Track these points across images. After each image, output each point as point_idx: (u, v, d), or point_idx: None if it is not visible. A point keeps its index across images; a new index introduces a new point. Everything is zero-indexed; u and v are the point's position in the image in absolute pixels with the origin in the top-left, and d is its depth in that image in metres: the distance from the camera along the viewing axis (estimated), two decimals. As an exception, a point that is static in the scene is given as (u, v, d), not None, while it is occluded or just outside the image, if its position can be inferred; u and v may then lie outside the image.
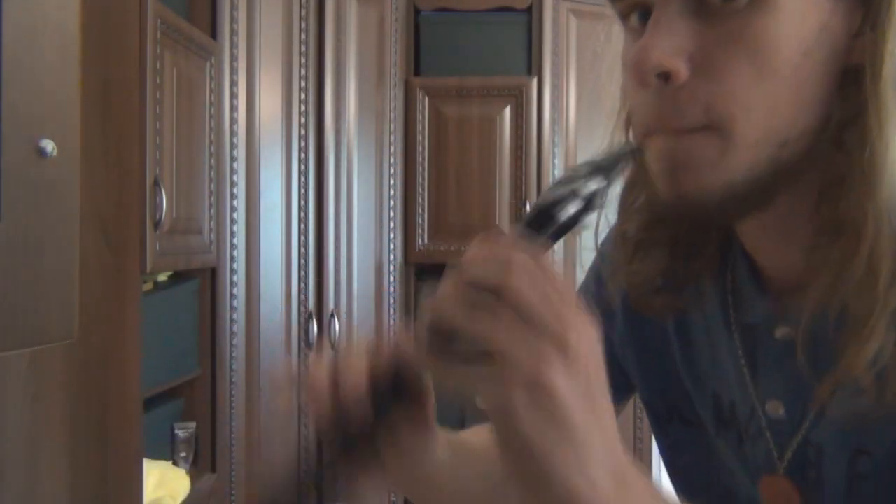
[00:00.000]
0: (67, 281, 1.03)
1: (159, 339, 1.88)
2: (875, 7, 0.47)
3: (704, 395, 0.63)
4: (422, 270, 2.90)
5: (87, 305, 1.37)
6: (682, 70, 0.47)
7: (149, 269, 1.70)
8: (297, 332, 2.41)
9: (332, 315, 2.50)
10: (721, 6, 0.47)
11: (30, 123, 0.95)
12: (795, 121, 0.48)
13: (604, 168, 0.47)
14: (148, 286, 1.92)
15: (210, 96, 2.06)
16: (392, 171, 2.72)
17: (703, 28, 0.47)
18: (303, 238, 2.42)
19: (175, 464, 2.01)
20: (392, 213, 2.72)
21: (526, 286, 0.41)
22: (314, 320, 2.44)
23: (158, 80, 1.74)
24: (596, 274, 0.72)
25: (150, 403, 1.86)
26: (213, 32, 2.11)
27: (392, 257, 2.72)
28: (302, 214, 2.42)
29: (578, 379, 0.40)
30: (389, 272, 2.72)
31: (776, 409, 0.58)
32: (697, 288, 0.61)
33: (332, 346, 2.50)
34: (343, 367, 0.51)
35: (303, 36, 2.41)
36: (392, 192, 2.71)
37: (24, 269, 0.95)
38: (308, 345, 2.43)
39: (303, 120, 2.42)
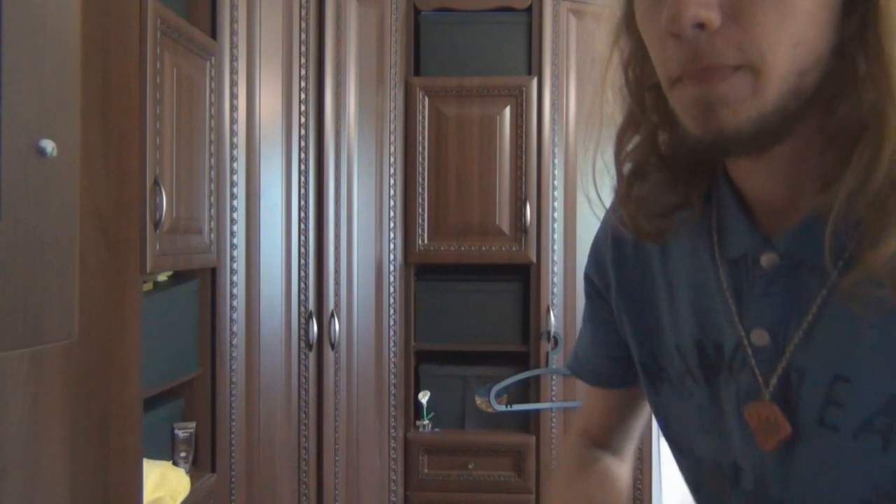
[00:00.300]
0: (67, 281, 1.03)
1: (159, 339, 1.88)
2: None
3: (688, 343, 0.68)
4: (422, 270, 2.90)
5: (87, 305, 1.37)
6: (716, 19, 0.51)
7: (149, 269, 1.70)
8: (297, 332, 2.41)
9: (332, 315, 2.50)
10: None
11: (30, 123, 0.95)
12: (812, 49, 0.53)
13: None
14: (148, 286, 1.92)
15: (210, 96, 2.06)
16: (392, 171, 2.72)
17: None
18: (303, 238, 2.43)
19: (175, 464, 2.01)
20: (392, 213, 2.72)
21: None
22: (314, 320, 2.44)
23: (158, 80, 1.74)
24: (594, 254, 0.79)
25: (150, 403, 1.87)
26: (213, 32, 2.11)
27: (392, 257, 2.72)
28: (302, 214, 2.42)
29: None
30: (389, 272, 2.72)
31: (761, 337, 0.62)
32: (682, 230, 0.67)
33: (332, 347, 2.50)
34: None
35: (303, 36, 2.41)
36: (392, 192, 2.71)
37: (24, 269, 0.95)
38: (308, 345, 2.43)
39: (303, 120, 2.42)
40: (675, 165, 0.64)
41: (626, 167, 0.67)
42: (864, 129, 0.52)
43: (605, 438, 0.88)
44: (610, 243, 0.76)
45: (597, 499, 0.82)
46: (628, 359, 0.77)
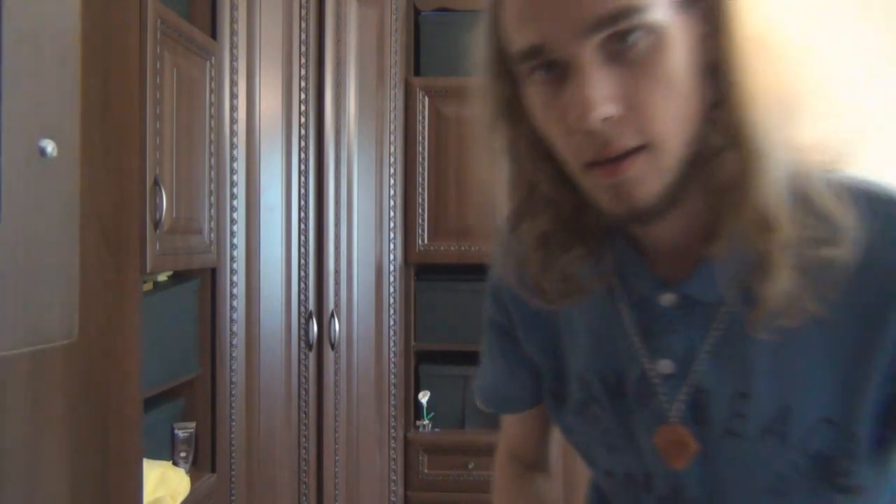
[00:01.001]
0: (67, 281, 1.02)
1: (159, 339, 1.88)
2: (718, 15, 0.60)
3: (590, 374, 0.77)
4: (422, 270, 2.90)
5: (87, 305, 1.37)
6: (617, 111, 0.58)
7: (149, 269, 1.70)
8: (297, 332, 2.41)
9: (332, 315, 2.50)
10: (628, 52, 0.58)
11: (30, 123, 0.95)
12: (692, 121, 0.61)
13: None
14: (148, 286, 1.92)
15: (210, 96, 2.05)
16: (392, 171, 2.72)
17: (620, 71, 0.58)
18: (303, 238, 2.42)
19: (175, 464, 2.01)
20: (392, 213, 2.72)
21: None
22: (314, 320, 2.44)
23: (158, 80, 1.74)
24: (494, 297, 0.86)
25: (150, 403, 1.87)
26: (213, 32, 2.11)
27: (392, 257, 2.72)
28: (302, 214, 2.42)
29: None
30: (389, 272, 2.72)
31: (666, 367, 0.70)
32: (581, 281, 0.73)
33: (332, 347, 2.50)
34: None
35: (303, 36, 2.41)
36: (392, 192, 2.71)
37: (24, 269, 0.95)
38: (308, 345, 2.43)
39: (303, 120, 2.42)
40: (575, 233, 0.70)
41: (529, 240, 0.72)
42: (730, 186, 0.61)
43: (530, 455, 0.97)
44: (506, 286, 0.81)
45: None
46: (541, 380, 0.85)
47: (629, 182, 0.60)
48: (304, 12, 2.41)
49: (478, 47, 0.70)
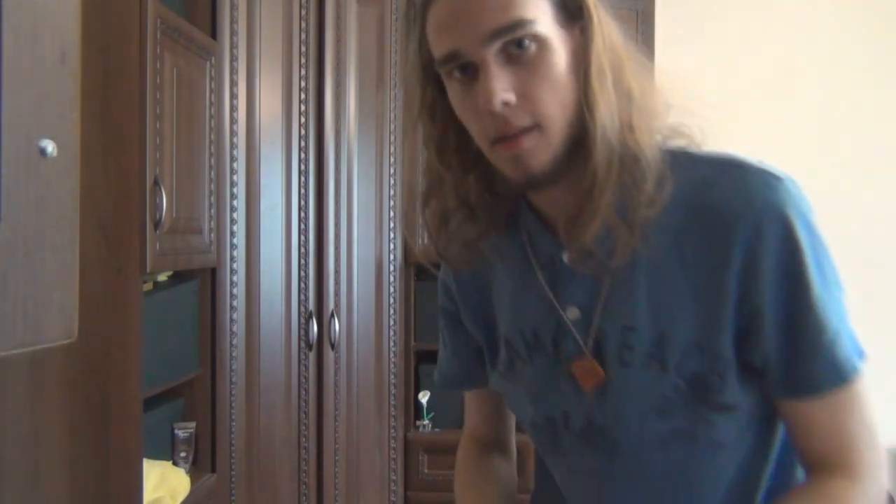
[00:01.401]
0: (67, 281, 1.02)
1: (159, 339, 1.88)
2: (584, 32, 0.80)
3: (512, 333, 0.92)
4: (422, 270, 2.90)
5: (87, 305, 1.36)
6: (513, 98, 0.77)
7: (149, 269, 1.70)
8: (297, 332, 2.41)
9: (332, 315, 2.50)
10: (521, 56, 0.77)
11: (30, 123, 0.95)
12: (572, 108, 0.79)
13: None
14: (148, 286, 1.92)
15: (210, 96, 2.06)
16: (392, 171, 2.72)
17: (515, 70, 0.77)
18: (303, 238, 2.42)
19: (175, 464, 2.01)
20: (392, 213, 2.72)
21: None
22: (314, 320, 2.44)
23: (158, 81, 1.74)
24: (442, 287, 1.04)
25: (150, 403, 1.87)
26: (213, 32, 2.11)
27: (392, 257, 2.72)
28: (302, 214, 2.42)
29: None
30: (389, 272, 2.72)
31: (574, 314, 0.87)
32: (498, 249, 0.91)
33: (332, 347, 2.50)
34: None
35: (303, 36, 2.41)
36: (392, 192, 2.71)
37: (24, 269, 0.95)
38: (308, 345, 2.43)
39: (303, 120, 2.42)
40: (475, 207, 0.88)
41: (432, 216, 0.92)
42: (590, 183, 0.80)
43: (489, 436, 1.09)
44: (451, 273, 1.00)
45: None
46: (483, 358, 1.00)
47: (525, 153, 0.78)
48: (304, 12, 2.41)
49: (408, 61, 0.86)
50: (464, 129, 0.83)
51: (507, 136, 0.78)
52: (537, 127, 0.78)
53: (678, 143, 0.85)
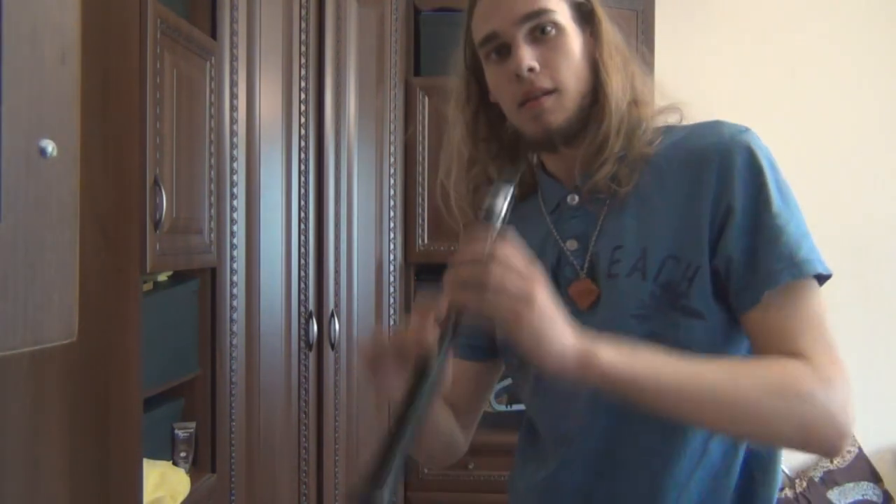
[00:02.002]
0: (67, 281, 1.02)
1: (159, 339, 1.88)
2: (595, 33, 1.02)
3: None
4: (422, 270, 2.90)
5: (87, 305, 1.36)
6: (537, 66, 0.98)
7: (149, 269, 1.70)
8: (297, 332, 2.41)
9: (332, 315, 2.50)
10: (544, 37, 0.99)
11: (30, 123, 0.95)
12: (584, 83, 1.01)
13: (509, 180, 0.96)
14: (148, 286, 1.92)
15: (210, 96, 2.05)
16: (392, 171, 2.72)
17: (539, 48, 0.99)
18: (303, 238, 2.42)
19: (175, 464, 2.01)
20: (392, 213, 2.72)
21: (508, 259, 0.81)
22: (314, 320, 2.44)
23: (158, 80, 1.74)
24: None
25: (150, 403, 1.86)
26: (213, 32, 2.11)
27: (392, 257, 2.72)
28: (302, 214, 2.42)
29: (547, 298, 0.82)
30: (389, 272, 2.72)
31: (573, 245, 1.04)
32: (519, 211, 1.03)
33: (332, 347, 2.50)
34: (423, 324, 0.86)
35: (303, 36, 2.41)
36: (392, 192, 2.71)
37: (24, 269, 0.95)
38: (308, 345, 2.43)
39: (303, 120, 2.42)
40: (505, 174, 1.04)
41: (466, 191, 1.10)
42: (604, 138, 1.00)
43: (459, 405, 1.19)
44: None
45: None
46: (489, 332, 1.09)
47: (545, 112, 0.99)
48: (304, 12, 2.41)
49: (458, 48, 1.08)
50: (496, 120, 1.08)
51: (530, 97, 0.98)
52: (556, 91, 0.98)
53: (669, 120, 1.05)
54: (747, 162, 0.93)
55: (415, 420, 0.77)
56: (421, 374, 0.80)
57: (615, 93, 1.00)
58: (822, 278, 0.90)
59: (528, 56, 0.97)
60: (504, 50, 1.00)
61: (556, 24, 0.99)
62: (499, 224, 0.88)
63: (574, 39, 1.00)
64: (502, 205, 0.91)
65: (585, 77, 1.01)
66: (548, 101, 0.98)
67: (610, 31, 1.03)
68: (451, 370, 1.13)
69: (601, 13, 1.03)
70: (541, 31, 0.99)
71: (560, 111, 0.99)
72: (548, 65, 0.98)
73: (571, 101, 0.99)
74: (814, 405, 0.82)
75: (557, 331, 0.81)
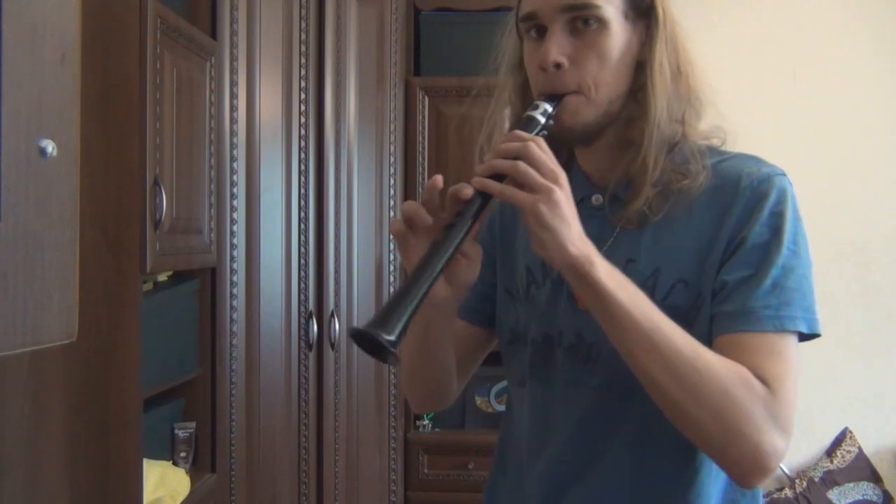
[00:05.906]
0: (67, 281, 1.03)
1: (159, 339, 1.88)
2: (650, 30, 0.96)
3: (534, 261, 1.06)
4: (422, 270, 2.90)
5: (87, 305, 1.36)
6: (565, 63, 0.93)
7: (149, 269, 1.70)
8: (297, 332, 2.41)
9: (332, 315, 2.50)
10: (584, 31, 0.93)
11: (30, 123, 0.95)
12: (616, 88, 0.95)
13: (547, 100, 0.94)
14: (148, 286, 1.92)
15: (210, 96, 2.05)
16: (392, 171, 2.72)
17: (574, 39, 0.94)
18: (303, 238, 2.42)
19: (175, 464, 2.01)
20: (392, 213, 2.72)
21: (537, 153, 0.84)
22: (314, 320, 2.44)
23: (158, 80, 1.74)
24: (487, 219, 1.15)
25: (150, 403, 1.87)
26: (213, 32, 2.11)
27: (392, 257, 2.72)
28: (302, 214, 2.42)
29: (568, 199, 0.84)
30: (389, 272, 2.72)
31: None
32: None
33: (332, 347, 2.50)
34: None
35: (303, 36, 2.41)
36: (392, 192, 2.71)
37: (24, 269, 0.95)
38: (308, 345, 2.43)
39: (303, 120, 2.42)
40: None
41: None
42: (634, 142, 0.96)
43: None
44: (497, 207, 1.14)
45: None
46: (492, 301, 1.13)
47: (565, 111, 0.94)
48: (304, 12, 2.41)
49: (509, 19, 1.04)
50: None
51: (552, 93, 0.94)
52: (578, 92, 0.94)
53: (712, 142, 1.00)
54: (776, 203, 0.91)
55: (426, 279, 0.80)
56: (437, 245, 0.84)
57: (656, 118, 0.94)
58: (806, 335, 0.90)
59: (556, 50, 0.92)
60: (543, 31, 0.95)
61: (599, 19, 0.92)
62: (535, 133, 0.90)
63: (616, 39, 0.93)
64: (540, 118, 0.92)
65: (622, 80, 0.95)
66: (570, 102, 0.93)
67: (668, 32, 0.96)
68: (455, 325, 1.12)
69: (663, 9, 0.96)
70: (583, 22, 0.92)
71: (580, 115, 0.94)
72: (578, 63, 0.93)
73: (596, 106, 0.94)
74: (752, 414, 0.83)
75: (569, 231, 0.83)
